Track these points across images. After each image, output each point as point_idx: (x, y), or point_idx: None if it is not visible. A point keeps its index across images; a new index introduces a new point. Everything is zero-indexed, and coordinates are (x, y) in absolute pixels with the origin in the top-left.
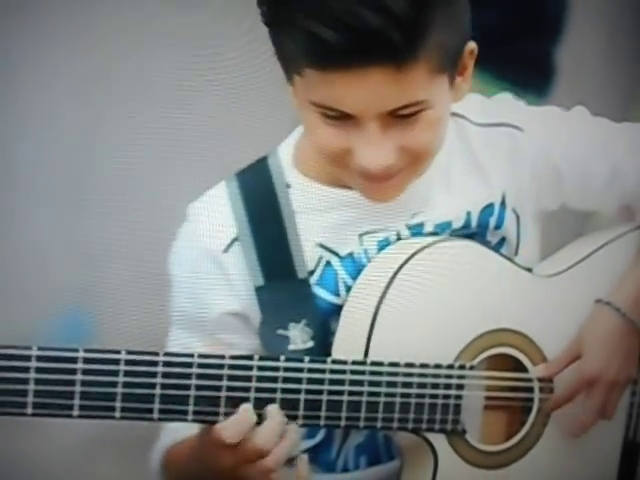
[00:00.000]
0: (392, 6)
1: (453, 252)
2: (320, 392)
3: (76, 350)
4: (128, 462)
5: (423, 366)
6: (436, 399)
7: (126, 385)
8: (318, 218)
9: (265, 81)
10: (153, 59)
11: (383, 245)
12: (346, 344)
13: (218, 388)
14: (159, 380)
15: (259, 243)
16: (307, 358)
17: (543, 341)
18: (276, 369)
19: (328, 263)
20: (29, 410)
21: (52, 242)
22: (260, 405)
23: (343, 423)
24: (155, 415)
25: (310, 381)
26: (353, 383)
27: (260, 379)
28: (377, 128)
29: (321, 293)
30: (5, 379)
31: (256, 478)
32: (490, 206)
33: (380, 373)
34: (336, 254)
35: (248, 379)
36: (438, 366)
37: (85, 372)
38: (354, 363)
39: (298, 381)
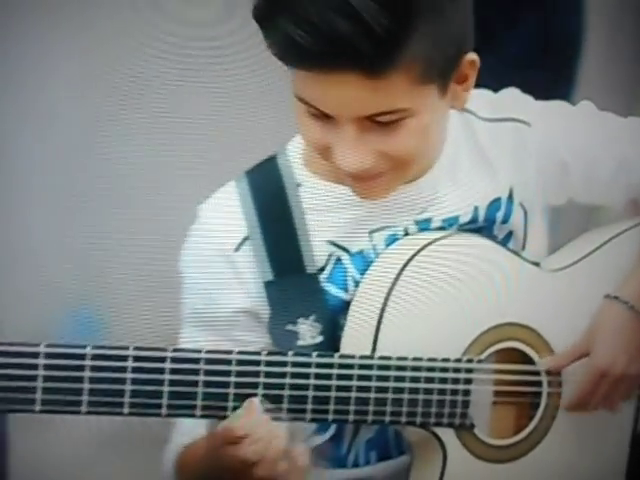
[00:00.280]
0: (364, 15)
1: (460, 247)
2: (328, 387)
3: (84, 347)
4: (138, 459)
5: (431, 360)
6: (444, 394)
7: (134, 381)
8: (328, 216)
9: (273, 80)
10: (158, 58)
11: (391, 241)
12: (354, 339)
13: (226, 384)
14: (167, 376)
15: (269, 241)
16: (315, 353)
17: (550, 335)
18: (284, 364)
19: (338, 260)
20: (37, 407)
21: (59, 241)
22: (268, 400)
23: (352, 418)
24: (163, 411)
25: (318, 376)
26: (361, 378)
27: (268, 375)
28: (353, 131)
29: (330, 289)
30: (14, 376)
31: (264, 472)
32: (497, 200)
33: (388, 368)
34: (347, 251)
35: (256, 374)
36: (446, 360)
37: (93, 369)
38: (362, 358)
39: (306, 376)
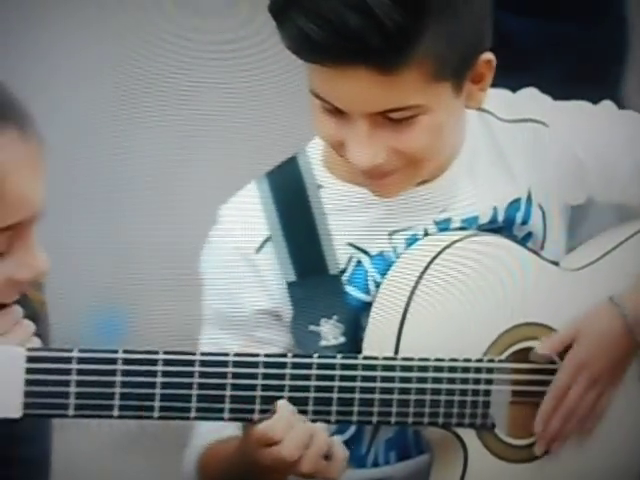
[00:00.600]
0: (376, 10)
1: (481, 247)
2: (353, 389)
3: (115, 351)
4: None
5: (452, 361)
6: (466, 394)
7: (164, 385)
8: (349, 218)
9: (291, 81)
10: (177, 58)
11: (411, 242)
12: (376, 340)
13: (253, 387)
14: (196, 380)
15: (291, 242)
16: (340, 355)
17: None
18: (309, 366)
19: (359, 262)
20: (71, 412)
21: (85, 244)
22: (294, 402)
23: (375, 419)
24: (192, 414)
25: (343, 378)
26: (384, 379)
27: (294, 377)
28: (365, 126)
29: (351, 291)
30: (47, 381)
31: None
32: (517, 201)
33: (411, 369)
34: (367, 253)
35: (282, 377)
36: (467, 361)
37: (124, 373)
38: (385, 359)
39: (331, 378)
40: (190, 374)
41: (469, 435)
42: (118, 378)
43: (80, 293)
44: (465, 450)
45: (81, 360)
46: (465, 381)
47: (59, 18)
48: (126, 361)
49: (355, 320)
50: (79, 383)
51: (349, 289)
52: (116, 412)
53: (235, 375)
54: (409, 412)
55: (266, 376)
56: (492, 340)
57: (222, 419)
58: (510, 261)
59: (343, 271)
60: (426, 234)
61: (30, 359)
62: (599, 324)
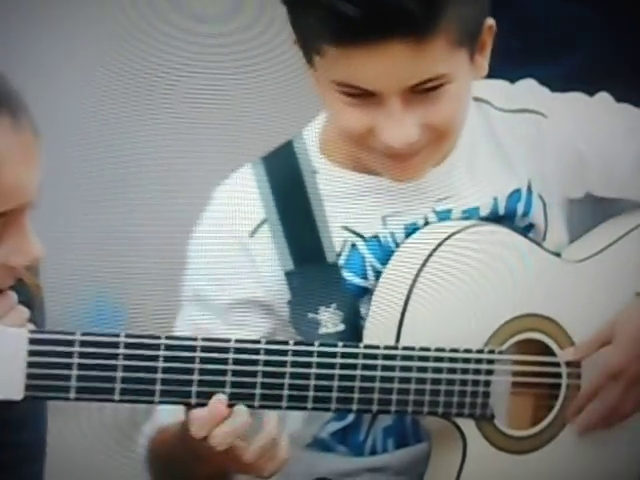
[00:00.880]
0: None
1: (483, 237)
2: (353, 377)
3: (118, 335)
4: None
5: (453, 351)
6: (466, 384)
7: (165, 370)
8: (344, 203)
9: (287, 65)
10: (170, 45)
11: (411, 230)
12: (378, 329)
13: (254, 373)
14: (197, 365)
15: (287, 227)
16: (340, 343)
17: (571, 326)
18: (310, 354)
19: (354, 246)
20: (72, 394)
21: (82, 233)
22: (295, 389)
23: (375, 408)
24: (193, 400)
25: (343, 366)
26: (385, 368)
27: (295, 364)
28: (399, 104)
29: (348, 276)
30: (49, 364)
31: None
32: (517, 192)
33: (411, 358)
34: (360, 236)
35: (283, 364)
36: (468, 351)
37: (126, 357)
38: (386, 348)
39: (331, 366)
40: (191, 359)
41: (468, 425)
42: (120, 362)
43: (76, 281)
44: (464, 440)
45: (83, 343)
46: (465, 371)
47: (60, 18)
48: (128, 345)
49: (354, 307)
50: (81, 366)
51: (346, 274)
52: (117, 396)
53: (236, 361)
54: (409, 401)
55: (267, 363)
56: (493, 331)
57: None
58: (512, 252)
59: (338, 255)
60: (426, 223)
61: (32, 341)
62: (635, 321)
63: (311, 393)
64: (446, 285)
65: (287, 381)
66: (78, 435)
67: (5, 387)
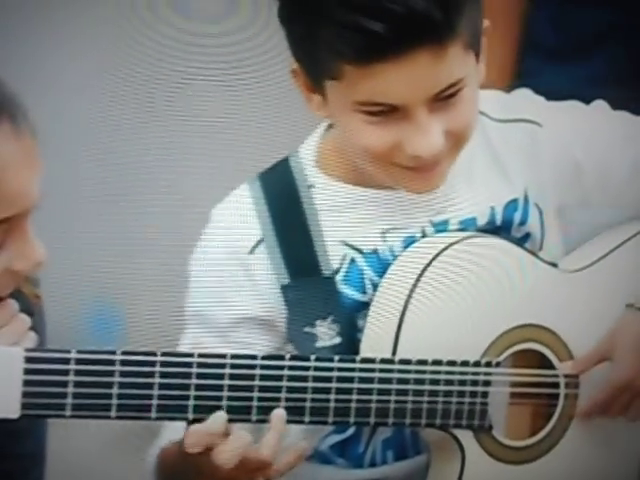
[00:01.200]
0: None
1: (480, 248)
2: (350, 390)
3: (113, 352)
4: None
5: (450, 363)
6: (463, 396)
7: (162, 386)
8: (341, 217)
9: (284, 82)
10: (171, 58)
11: (409, 242)
12: (374, 342)
13: (251, 388)
14: (194, 381)
15: (284, 243)
16: (337, 357)
17: (569, 336)
18: (306, 368)
19: (353, 260)
20: (68, 412)
21: (83, 240)
22: (291, 404)
23: (372, 421)
24: (190, 415)
25: (340, 379)
26: (382, 381)
27: (291, 379)
28: (425, 114)
29: (347, 291)
30: (45, 382)
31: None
32: (514, 201)
33: (408, 371)
34: (359, 251)
35: (279, 378)
36: (465, 363)
37: (123, 374)
38: (383, 362)
39: (328, 380)
40: (188, 375)
41: (466, 436)
42: (116, 379)
43: (76, 289)
44: (462, 451)
45: (79, 361)
46: (463, 383)
47: (60, 22)
48: (124, 362)
49: (350, 320)
50: (77, 384)
51: (344, 289)
52: (113, 413)
53: (232, 376)
54: (406, 413)
55: (263, 377)
56: (490, 342)
57: None
58: (508, 263)
59: (337, 270)
60: (424, 235)
61: (28, 359)
62: (631, 333)
63: (308, 405)
64: (443, 296)
65: (284, 395)
66: (78, 443)
67: (1, 406)
